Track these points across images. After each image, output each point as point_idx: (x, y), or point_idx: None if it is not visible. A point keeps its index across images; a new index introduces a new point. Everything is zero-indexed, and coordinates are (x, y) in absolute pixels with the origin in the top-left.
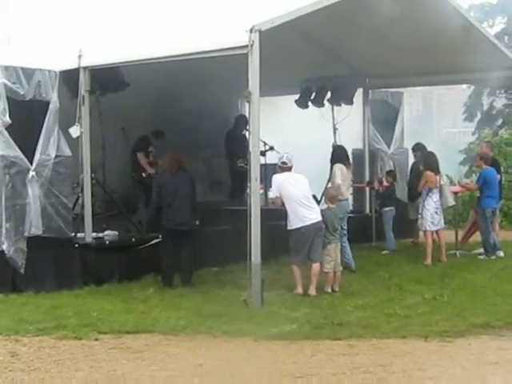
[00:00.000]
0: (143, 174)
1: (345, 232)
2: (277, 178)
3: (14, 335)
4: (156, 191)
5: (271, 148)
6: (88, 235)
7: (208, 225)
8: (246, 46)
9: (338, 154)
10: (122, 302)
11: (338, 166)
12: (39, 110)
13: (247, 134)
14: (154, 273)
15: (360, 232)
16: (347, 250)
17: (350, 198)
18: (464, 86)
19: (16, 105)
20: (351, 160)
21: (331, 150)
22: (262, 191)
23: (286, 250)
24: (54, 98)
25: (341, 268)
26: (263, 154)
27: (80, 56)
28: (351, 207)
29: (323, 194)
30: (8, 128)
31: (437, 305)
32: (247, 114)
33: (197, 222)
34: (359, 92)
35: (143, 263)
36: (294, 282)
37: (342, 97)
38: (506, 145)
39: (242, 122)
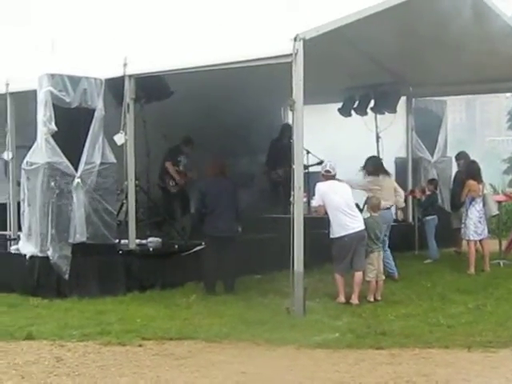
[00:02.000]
0: (171, 183)
1: (386, 241)
2: (320, 187)
3: (59, 340)
4: (199, 198)
5: (320, 163)
6: (132, 242)
7: (251, 232)
8: (290, 54)
9: (372, 166)
10: (165, 309)
11: (371, 179)
12: (85, 118)
13: None
14: (196, 280)
15: (403, 241)
16: (390, 259)
17: (393, 207)
18: (508, 93)
19: (62, 112)
20: (394, 168)
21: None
22: (305, 199)
23: (328, 259)
24: (99, 105)
25: (383, 277)
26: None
27: (125, 64)
28: (394, 216)
29: (365, 202)
30: (54, 135)
31: (480, 315)
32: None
33: (239, 229)
34: (402, 100)
35: (186, 270)
36: (337, 291)
37: (386, 105)
38: None
39: (289, 130)
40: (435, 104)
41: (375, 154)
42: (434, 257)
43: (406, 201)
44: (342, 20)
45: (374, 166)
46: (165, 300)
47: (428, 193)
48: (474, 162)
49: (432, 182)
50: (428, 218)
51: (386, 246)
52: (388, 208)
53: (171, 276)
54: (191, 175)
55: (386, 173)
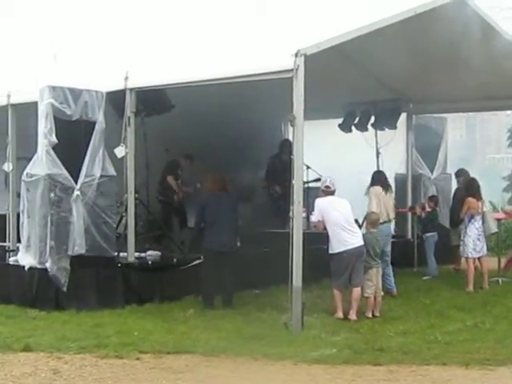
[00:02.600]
0: (175, 197)
1: (387, 257)
2: (320, 202)
3: (56, 352)
4: (199, 212)
5: (318, 179)
6: (131, 255)
7: (249, 247)
8: (291, 69)
9: (376, 178)
10: (163, 322)
11: (374, 190)
12: (85, 130)
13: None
14: (194, 294)
15: (402, 257)
16: (390, 275)
17: (392, 222)
18: (508, 111)
19: (63, 125)
20: (393, 185)
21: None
22: (304, 215)
23: (327, 274)
24: (100, 118)
25: (382, 293)
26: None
27: (126, 77)
28: (393, 232)
29: (365, 218)
30: (54, 147)
31: (478, 332)
32: (291, 138)
33: (238, 244)
34: (403, 117)
35: (184, 284)
36: (335, 306)
37: (386, 122)
38: None
39: (287, 146)
40: (435, 121)
41: (375, 170)
42: (432, 273)
43: (405, 217)
44: (344, 36)
45: (376, 180)
46: (163, 314)
47: (428, 209)
48: (473, 180)
49: (432, 198)
50: (428, 234)
51: (389, 261)
52: (387, 222)
53: (170, 289)
54: (187, 190)
55: (389, 187)
